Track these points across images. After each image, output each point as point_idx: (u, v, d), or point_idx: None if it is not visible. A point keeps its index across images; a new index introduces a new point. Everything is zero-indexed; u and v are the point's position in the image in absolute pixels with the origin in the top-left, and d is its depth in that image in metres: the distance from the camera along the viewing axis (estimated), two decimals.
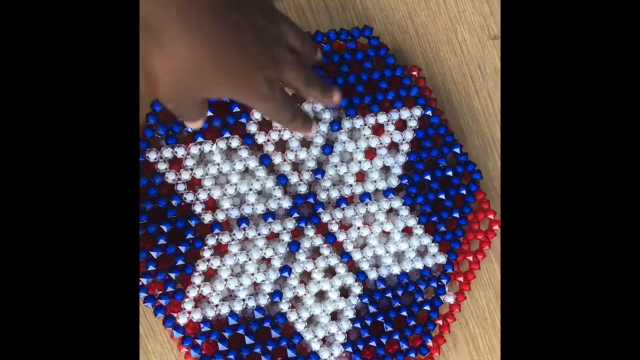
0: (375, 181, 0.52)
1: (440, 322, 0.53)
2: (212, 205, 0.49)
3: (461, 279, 0.54)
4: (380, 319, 0.51)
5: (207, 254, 0.49)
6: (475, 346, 0.56)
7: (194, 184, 0.49)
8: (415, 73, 0.54)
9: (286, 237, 0.50)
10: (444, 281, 0.53)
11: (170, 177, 0.48)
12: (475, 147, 0.56)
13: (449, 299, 0.54)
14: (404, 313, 0.52)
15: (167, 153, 0.48)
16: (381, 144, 0.52)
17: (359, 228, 0.51)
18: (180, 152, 0.49)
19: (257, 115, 0.50)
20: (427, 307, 0.52)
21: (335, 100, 0.45)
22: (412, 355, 0.52)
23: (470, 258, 0.54)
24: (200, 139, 0.49)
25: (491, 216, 0.54)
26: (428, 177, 0.53)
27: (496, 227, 0.55)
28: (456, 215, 0.53)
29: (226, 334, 0.49)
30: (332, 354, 0.50)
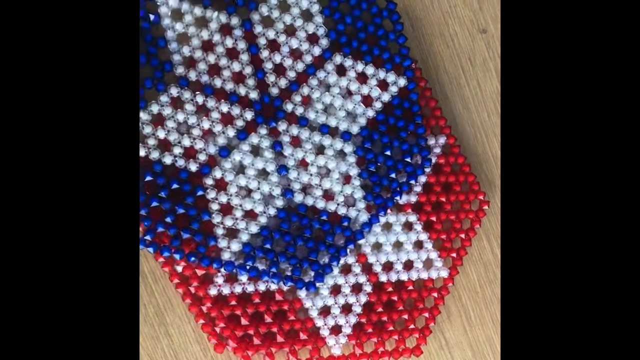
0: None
1: (435, 294, 0.58)
2: (193, 152, 0.52)
3: (454, 254, 0.58)
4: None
5: (212, 194, 0.52)
6: (467, 317, 0.60)
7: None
8: (413, 65, 0.57)
9: (266, 143, 0.53)
10: (419, 120, 0.56)
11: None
12: (467, 133, 0.61)
13: (443, 273, 0.58)
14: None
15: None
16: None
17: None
18: None
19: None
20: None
21: None
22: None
23: (463, 235, 0.59)
24: None
25: (481, 197, 0.59)
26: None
27: (486, 207, 0.59)
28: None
29: (267, 245, 0.53)
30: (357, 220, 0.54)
